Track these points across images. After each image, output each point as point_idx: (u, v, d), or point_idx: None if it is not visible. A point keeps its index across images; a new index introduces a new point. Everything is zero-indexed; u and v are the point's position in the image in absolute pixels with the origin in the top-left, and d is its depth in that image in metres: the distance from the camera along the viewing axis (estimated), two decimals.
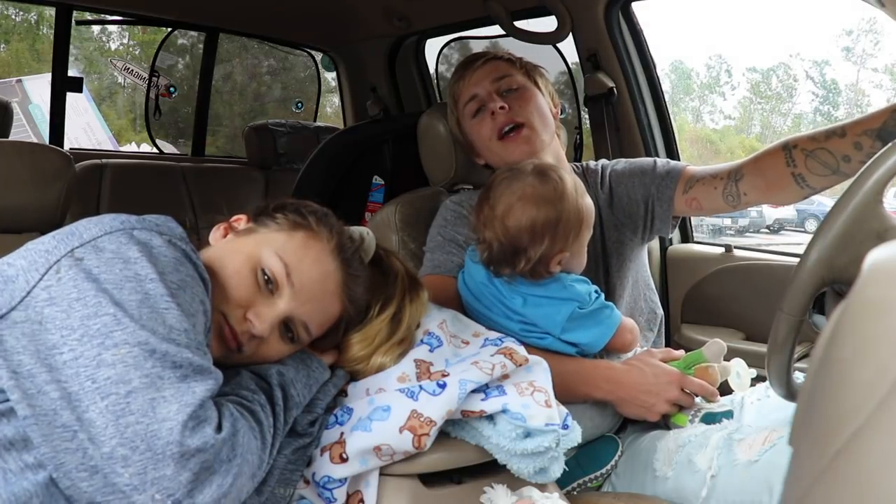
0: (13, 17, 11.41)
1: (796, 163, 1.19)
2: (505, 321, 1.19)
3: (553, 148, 1.42)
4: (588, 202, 1.20)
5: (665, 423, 1.20)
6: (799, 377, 0.94)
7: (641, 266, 1.53)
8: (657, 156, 1.89)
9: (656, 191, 1.40)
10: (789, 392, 0.92)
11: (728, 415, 1.17)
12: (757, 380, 1.24)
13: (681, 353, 1.23)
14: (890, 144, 0.79)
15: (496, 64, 1.43)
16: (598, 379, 1.17)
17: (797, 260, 0.86)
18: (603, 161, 1.55)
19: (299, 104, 3.99)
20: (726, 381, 1.21)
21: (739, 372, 1.21)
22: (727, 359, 1.22)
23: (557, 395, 0.95)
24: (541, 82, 1.45)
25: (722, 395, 1.21)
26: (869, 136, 1.09)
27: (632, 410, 1.17)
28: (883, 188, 0.79)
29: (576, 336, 1.18)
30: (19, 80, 7.37)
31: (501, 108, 1.36)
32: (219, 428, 0.67)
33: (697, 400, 1.21)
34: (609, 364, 1.21)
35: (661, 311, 1.53)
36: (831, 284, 0.84)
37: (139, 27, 8.01)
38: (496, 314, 1.20)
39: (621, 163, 1.51)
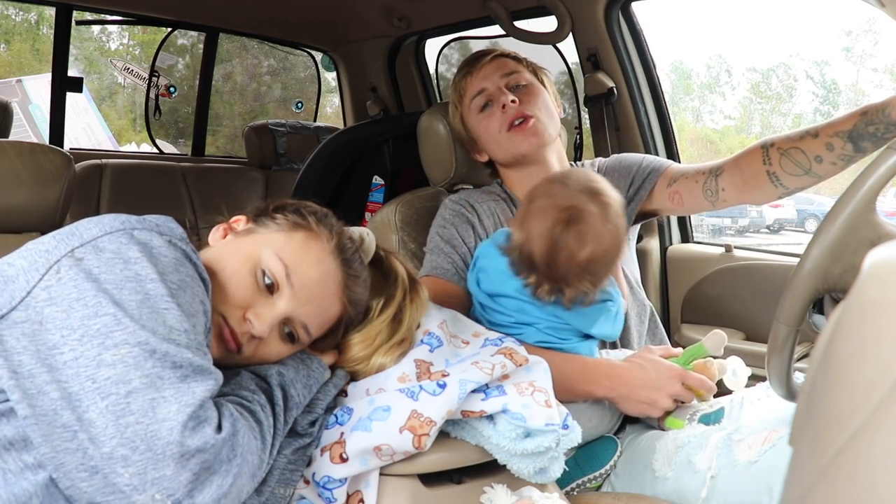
0: (13, 17, 11.41)
1: (771, 161, 1.20)
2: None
3: (556, 146, 1.43)
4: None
5: (661, 427, 1.20)
6: (799, 377, 0.94)
7: (630, 261, 1.53)
8: (657, 155, 1.90)
9: (634, 191, 1.41)
10: (789, 392, 0.92)
11: (720, 413, 1.17)
12: (756, 379, 1.23)
13: (679, 350, 1.24)
14: (880, 152, 0.79)
15: (504, 60, 1.44)
16: (599, 377, 1.18)
17: (797, 260, 0.86)
18: (599, 159, 1.56)
19: (299, 104, 3.99)
20: (722, 381, 1.21)
21: (736, 370, 1.20)
22: (725, 356, 1.22)
23: (559, 394, 0.95)
24: (546, 82, 1.46)
25: (719, 395, 1.21)
26: (840, 138, 1.10)
27: (634, 408, 1.17)
28: (876, 196, 0.79)
29: (601, 330, 1.21)
30: (19, 80, 7.38)
31: (513, 101, 1.37)
32: (219, 428, 0.67)
33: (693, 401, 1.21)
34: (610, 362, 1.21)
35: (649, 304, 1.54)
36: (826, 293, 0.84)
37: (139, 27, 8.01)
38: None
39: (612, 158, 1.52)
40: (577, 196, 1.10)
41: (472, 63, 1.45)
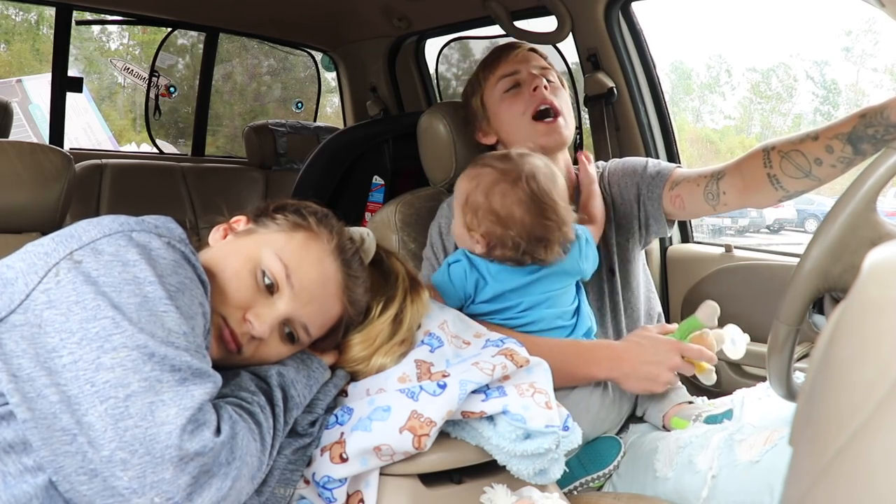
0: (13, 17, 11.41)
1: (772, 164, 1.20)
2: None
3: (565, 151, 1.46)
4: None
5: (665, 427, 1.20)
6: (799, 377, 0.94)
7: (644, 265, 1.53)
8: (657, 156, 1.89)
9: (647, 190, 1.42)
10: (789, 392, 0.92)
11: (728, 414, 1.17)
12: (756, 379, 1.23)
13: (675, 326, 1.24)
14: (881, 153, 0.79)
15: (536, 55, 1.48)
16: (598, 358, 1.19)
17: (797, 260, 0.86)
18: (601, 163, 1.56)
19: (299, 104, 3.99)
20: (723, 379, 1.21)
21: (734, 338, 1.20)
22: (721, 326, 1.21)
23: (560, 381, 0.95)
24: (566, 86, 1.49)
25: (722, 394, 1.21)
26: (839, 140, 1.10)
27: (636, 385, 1.18)
28: (876, 196, 0.79)
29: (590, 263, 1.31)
30: (19, 80, 7.37)
31: (545, 86, 1.39)
32: (217, 431, 0.67)
33: (698, 401, 1.21)
34: (607, 343, 1.23)
35: (659, 307, 1.54)
36: (826, 293, 0.84)
37: (139, 27, 8.01)
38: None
39: (615, 163, 1.52)
40: (491, 162, 1.23)
41: (505, 49, 1.48)
